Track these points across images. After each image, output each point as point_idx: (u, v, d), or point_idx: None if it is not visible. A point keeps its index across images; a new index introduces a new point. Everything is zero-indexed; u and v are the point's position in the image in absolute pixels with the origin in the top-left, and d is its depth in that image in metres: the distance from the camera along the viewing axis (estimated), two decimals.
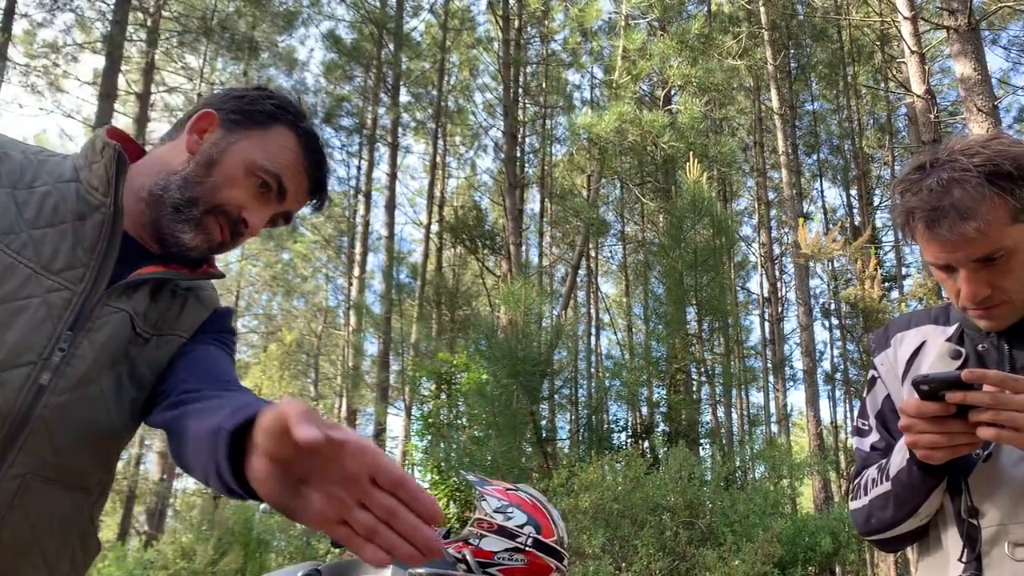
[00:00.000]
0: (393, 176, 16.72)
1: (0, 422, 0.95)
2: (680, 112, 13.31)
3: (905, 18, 8.76)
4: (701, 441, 10.10)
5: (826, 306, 18.42)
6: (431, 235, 17.79)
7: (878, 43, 17.44)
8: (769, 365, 18.89)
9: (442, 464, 9.18)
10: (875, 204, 19.42)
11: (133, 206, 1.11)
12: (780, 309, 19.50)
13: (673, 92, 15.07)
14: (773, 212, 20.19)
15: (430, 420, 10.44)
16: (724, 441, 11.62)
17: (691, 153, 10.91)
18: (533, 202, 20.07)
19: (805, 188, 20.74)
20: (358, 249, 17.88)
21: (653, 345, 10.83)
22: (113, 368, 1.06)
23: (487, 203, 20.25)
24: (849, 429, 18.38)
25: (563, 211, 18.62)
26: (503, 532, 2.13)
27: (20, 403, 0.96)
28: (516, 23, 15.83)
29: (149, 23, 14.64)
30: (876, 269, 11.22)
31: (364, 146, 18.32)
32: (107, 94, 11.31)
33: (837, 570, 9.06)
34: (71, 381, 1.00)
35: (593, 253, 20.71)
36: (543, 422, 10.05)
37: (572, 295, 16.95)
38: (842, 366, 18.58)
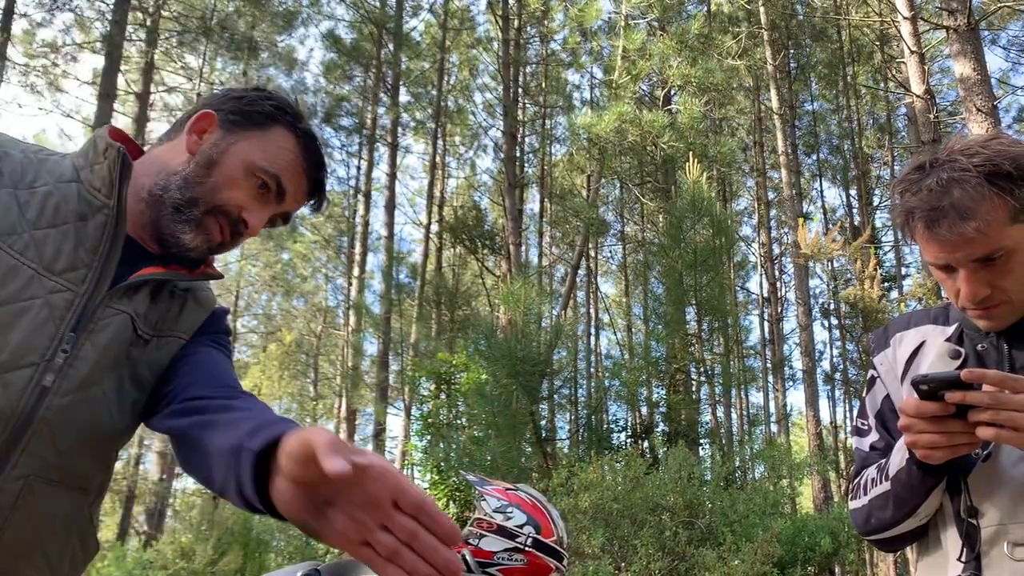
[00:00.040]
0: (393, 176, 16.72)
1: (3, 423, 0.95)
2: (680, 112, 13.31)
3: (905, 18, 8.76)
4: (701, 441, 10.10)
5: (826, 306, 18.44)
6: (431, 235, 17.78)
7: (878, 43, 17.44)
8: (769, 365, 18.90)
9: (442, 464, 9.19)
10: (875, 204, 19.42)
11: (133, 206, 1.11)
12: (780, 309, 19.50)
13: (673, 92, 15.08)
14: (773, 212, 20.19)
15: (430, 420, 10.44)
16: (724, 441, 11.62)
17: (691, 153, 10.91)
18: (533, 202, 20.09)
19: (805, 188, 20.74)
20: (358, 249, 17.88)
21: (653, 345, 10.83)
22: (115, 370, 1.06)
23: (487, 203, 20.25)
24: (848, 429, 18.39)
25: (563, 211, 18.62)
26: (503, 532, 2.13)
27: (23, 404, 0.96)
28: (516, 23, 15.83)
29: (148, 23, 14.64)
30: (876, 269, 11.22)
31: (364, 146, 18.32)
32: (106, 94, 11.31)
33: (837, 570, 9.06)
34: (74, 383, 1.00)
35: (593, 253, 20.71)
36: (543, 422, 10.06)
37: (572, 295, 16.95)
38: (841, 366, 18.59)
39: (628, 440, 10.62)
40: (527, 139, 17.77)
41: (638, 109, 12.87)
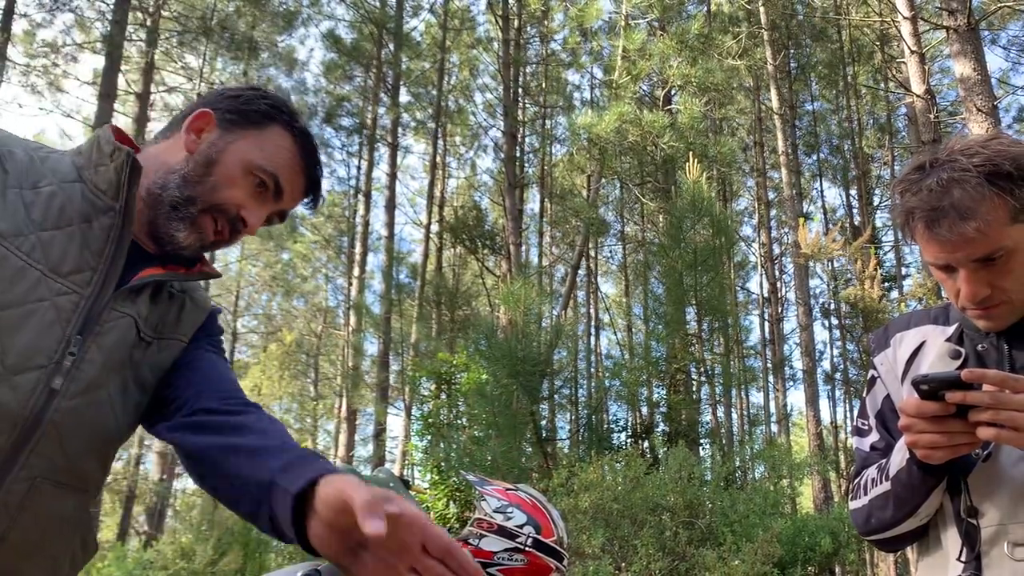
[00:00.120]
0: (393, 176, 16.72)
1: (12, 425, 0.95)
2: (680, 112, 13.31)
3: (905, 18, 8.76)
4: (701, 441, 10.10)
5: (826, 306, 18.44)
6: (431, 235, 17.79)
7: (878, 43, 17.44)
8: (769, 365, 18.90)
9: (442, 464, 9.18)
10: (875, 204, 19.42)
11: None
12: (780, 309, 19.50)
13: (673, 92, 15.07)
14: (773, 212, 20.19)
15: (430, 420, 10.44)
16: (724, 441, 11.62)
17: (691, 153, 10.91)
18: (533, 202, 20.09)
19: (805, 188, 20.74)
20: (358, 249, 17.88)
21: (653, 345, 10.83)
22: (119, 372, 1.07)
23: (487, 203, 20.25)
24: (849, 429, 18.39)
25: (563, 211, 18.62)
26: (503, 532, 2.13)
27: (32, 406, 0.96)
28: (516, 23, 15.83)
29: (149, 23, 14.65)
30: (876, 269, 11.22)
31: (364, 146, 18.32)
32: (107, 94, 11.31)
33: (837, 570, 9.06)
34: (81, 385, 1.01)
35: (593, 253, 20.71)
36: (543, 422, 10.06)
37: (572, 295, 16.95)
38: (842, 366, 18.59)
39: (628, 440, 10.62)
40: (527, 139, 17.78)
41: (638, 109, 12.87)
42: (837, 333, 18.60)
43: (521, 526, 2.14)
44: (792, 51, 18.50)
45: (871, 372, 1.39)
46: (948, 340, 1.27)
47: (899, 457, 1.20)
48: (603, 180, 16.53)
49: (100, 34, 14.09)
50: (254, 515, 0.93)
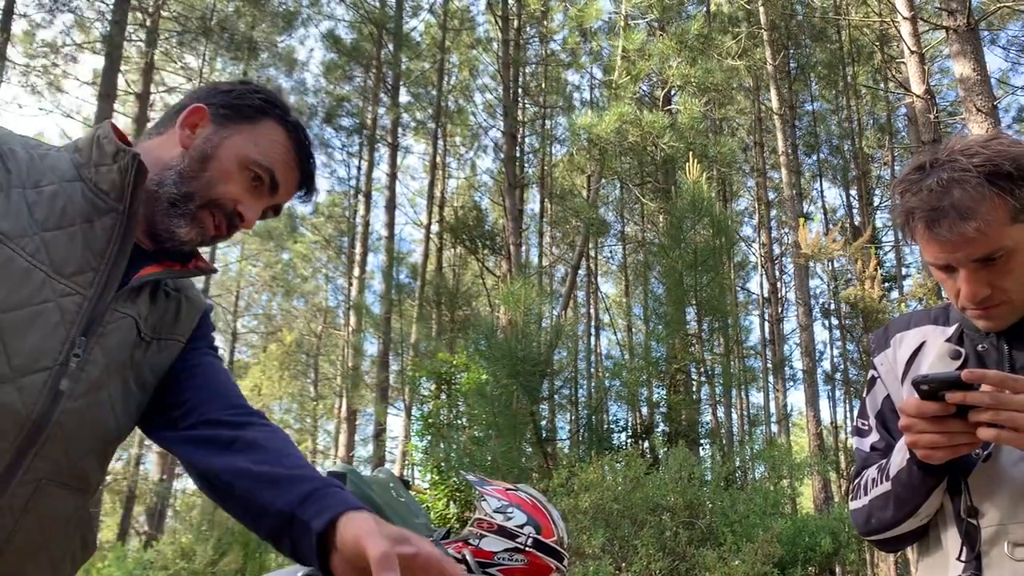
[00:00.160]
0: (393, 176, 16.72)
1: (19, 427, 0.95)
2: (680, 112, 13.31)
3: (904, 18, 8.76)
4: (701, 441, 10.09)
5: (826, 306, 18.43)
6: (431, 235, 17.79)
7: (877, 43, 17.44)
8: (769, 365, 18.90)
9: (442, 464, 9.18)
10: (875, 204, 19.42)
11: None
12: (780, 309, 19.50)
13: (673, 92, 15.07)
14: (773, 212, 20.19)
15: (430, 420, 10.43)
16: (724, 441, 11.61)
17: (691, 153, 10.91)
18: (533, 202, 20.09)
19: (805, 188, 20.74)
20: (358, 249, 17.88)
21: (653, 345, 10.83)
22: (120, 373, 1.07)
23: (487, 203, 20.26)
24: (849, 429, 18.39)
25: (563, 211, 18.62)
26: (503, 532, 2.13)
27: (39, 408, 0.97)
28: (515, 23, 15.83)
29: (148, 23, 14.65)
30: (876, 269, 11.21)
31: (364, 146, 18.32)
32: (106, 94, 11.31)
33: (837, 570, 9.06)
34: (85, 386, 1.01)
35: (593, 253, 20.71)
36: (543, 422, 10.05)
37: (572, 295, 16.95)
38: (842, 366, 18.59)
39: (628, 440, 10.62)
40: (527, 139, 17.78)
41: (638, 109, 12.87)
42: (837, 333, 18.61)
43: (521, 526, 2.14)
44: (792, 51, 18.50)
45: (871, 372, 1.39)
46: (948, 340, 1.27)
47: (899, 457, 1.20)
48: (603, 180, 16.54)
49: (100, 34, 14.10)
50: (274, 540, 0.99)
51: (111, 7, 12.65)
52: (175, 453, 1.12)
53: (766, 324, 20.14)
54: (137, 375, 1.10)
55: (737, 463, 9.34)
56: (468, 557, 2.09)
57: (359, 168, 19.39)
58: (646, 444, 9.66)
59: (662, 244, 10.73)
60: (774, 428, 18.52)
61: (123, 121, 14.39)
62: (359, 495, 2.11)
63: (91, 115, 12.89)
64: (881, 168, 20.43)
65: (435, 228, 18.35)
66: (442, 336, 15.28)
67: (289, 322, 25.24)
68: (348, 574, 0.87)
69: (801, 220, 13.89)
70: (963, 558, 1.15)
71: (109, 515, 19.11)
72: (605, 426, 11.20)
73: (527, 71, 17.76)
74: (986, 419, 1.03)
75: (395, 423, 15.99)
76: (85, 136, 1.13)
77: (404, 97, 17.72)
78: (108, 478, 16.39)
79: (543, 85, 18.54)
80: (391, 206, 16.36)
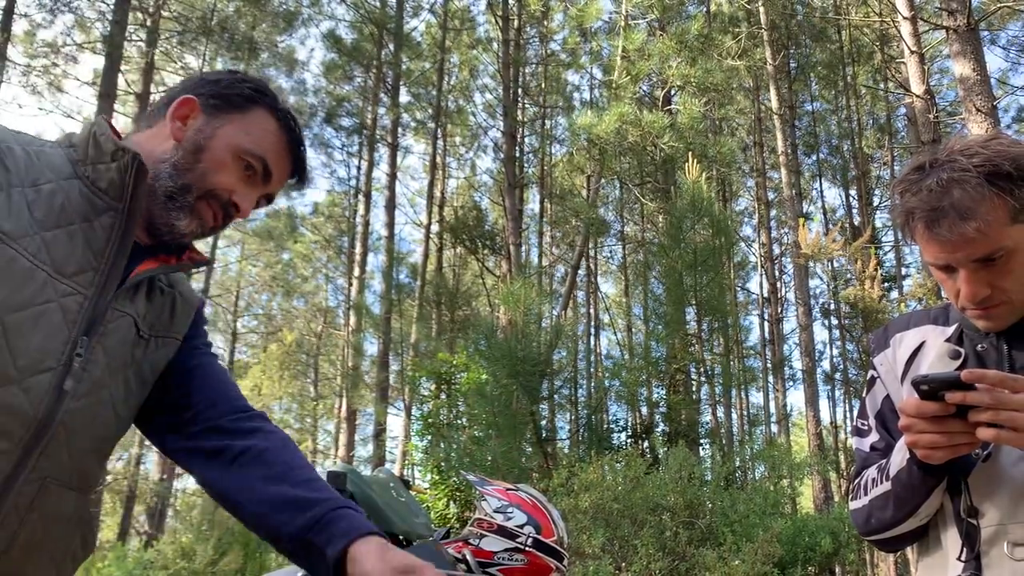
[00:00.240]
0: (393, 176, 16.72)
1: (25, 427, 0.95)
2: (680, 112, 13.31)
3: (904, 18, 8.76)
4: (701, 441, 10.10)
5: (826, 306, 18.44)
6: (431, 235, 17.79)
7: (877, 43, 17.44)
8: (769, 365, 18.90)
9: (442, 464, 9.18)
10: (875, 204, 19.42)
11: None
12: (780, 309, 19.50)
13: (673, 92, 15.07)
14: (773, 212, 20.20)
15: (430, 420, 10.44)
16: (724, 441, 11.62)
17: (691, 153, 10.92)
18: (533, 202, 20.09)
19: (805, 188, 20.74)
20: (358, 249, 17.88)
21: (653, 345, 10.83)
22: (122, 371, 1.08)
23: (487, 203, 20.26)
24: (849, 429, 18.39)
25: (563, 211, 18.62)
26: (503, 532, 2.13)
27: (44, 409, 0.97)
28: (516, 23, 15.83)
29: (149, 23, 14.64)
30: (876, 269, 11.22)
31: (364, 146, 18.32)
32: (107, 94, 11.32)
33: (837, 570, 9.06)
34: (87, 386, 1.02)
35: (593, 253, 20.72)
36: (543, 422, 10.05)
37: (572, 295, 16.95)
38: (842, 366, 18.59)
39: (628, 440, 10.62)
40: (527, 139, 17.78)
41: (638, 109, 12.86)
42: (837, 333, 18.61)
43: (521, 526, 2.14)
44: (792, 51, 18.50)
45: (871, 372, 1.39)
46: (948, 340, 1.27)
47: (899, 457, 1.20)
48: (603, 180, 16.54)
49: (100, 34, 14.10)
50: (291, 557, 1.08)
51: (111, 7, 12.65)
52: (183, 465, 1.15)
53: (766, 324, 20.15)
54: (137, 373, 1.11)
55: (737, 463, 9.34)
56: (468, 557, 2.09)
57: (359, 168, 19.40)
58: (646, 444, 9.66)
59: (662, 244, 10.73)
60: (774, 428, 18.53)
61: (123, 121, 14.39)
62: (359, 495, 2.11)
63: (91, 115, 12.90)
64: (881, 168, 20.43)
65: (435, 228, 18.36)
66: (442, 336, 15.28)
67: (289, 322, 25.23)
68: None
69: (801, 220, 13.89)
70: (963, 558, 1.15)
71: (109, 515, 19.11)
72: (605, 426, 11.20)
73: (527, 71, 17.76)
74: (986, 419, 1.03)
75: (395, 423, 16.00)
76: (80, 132, 1.13)
77: (404, 97, 17.74)
78: (108, 478, 16.39)
79: (543, 85, 18.54)
80: (391, 206, 16.37)
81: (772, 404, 19.54)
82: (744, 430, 17.78)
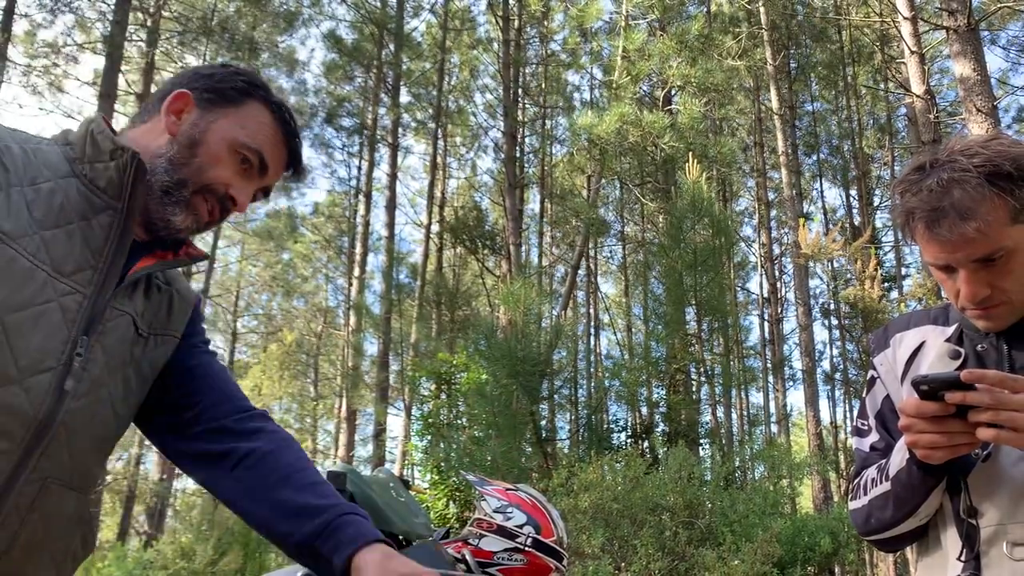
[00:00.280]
0: (393, 176, 16.73)
1: (26, 428, 0.95)
2: (680, 112, 13.31)
3: (905, 18, 8.77)
4: (701, 441, 10.10)
5: (826, 306, 18.44)
6: (431, 235, 17.79)
7: (878, 43, 17.45)
8: (769, 365, 18.90)
9: (442, 464, 9.19)
10: (875, 204, 19.43)
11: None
12: (780, 309, 19.50)
13: (673, 92, 15.07)
14: (773, 212, 20.20)
15: (430, 420, 10.44)
16: (724, 441, 11.62)
17: (691, 153, 10.92)
18: (533, 202, 20.09)
19: (805, 188, 20.74)
20: (358, 249, 17.89)
21: (653, 345, 10.83)
22: (121, 370, 1.08)
23: (487, 203, 20.26)
24: (849, 429, 18.39)
25: (563, 211, 18.62)
26: (503, 532, 2.13)
27: (45, 408, 0.97)
28: (516, 23, 15.83)
29: (149, 23, 14.65)
30: (876, 269, 11.22)
31: (365, 146, 18.32)
32: (107, 94, 11.32)
33: (836, 570, 9.06)
34: (87, 386, 1.02)
35: (593, 253, 20.72)
36: (543, 422, 10.06)
37: (572, 295, 16.95)
38: (842, 366, 18.60)
39: (628, 440, 10.62)
40: (527, 139, 17.78)
41: (638, 110, 12.87)
42: (837, 333, 18.61)
43: (521, 526, 2.14)
44: (792, 51, 18.51)
45: (871, 372, 1.39)
46: (948, 340, 1.27)
47: (899, 457, 1.20)
48: (603, 180, 16.54)
49: (100, 34, 14.10)
50: (300, 560, 1.11)
51: (112, 7, 12.66)
52: (187, 470, 1.17)
53: (766, 324, 20.15)
54: (136, 372, 1.11)
55: (737, 463, 9.34)
56: (468, 557, 2.09)
57: (359, 168, 19.41)
58: (646, 444, 9.66)
59: (662, 244, 10.73)
60: (774, 428, 18.53)
61: (123, 121, 14.36)
62: (359, 495, 2.11)
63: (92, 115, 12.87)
64: (881, 168, 20.43)
65: (435, 228, 18.36)
66: (442, 336, 15.28)
67: (289, 322, 25.23)
68: None
69: (801, 220, 13.89)
70: (962, 558, 1.15)
71: (109, 515, 19.11)
72: (605, 426, 11.20)
73: (527, 71, 17.77)
74: (986, 419, 1.03)
75: (395, 423, 16.00)
76: (76, 129, 1.12)
77: (405, 97, 17.74)
78: (108, 478, 16.39)
79: (543, 85, 18.55)
80: (391, 206, 16.37)
81: (772, 404, 19.56)
82: (744, 430, 17.79)
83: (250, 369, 23.75)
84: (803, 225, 12.75)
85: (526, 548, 2.11)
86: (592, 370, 18.30)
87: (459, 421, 10.46)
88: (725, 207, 17.25)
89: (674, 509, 6.66)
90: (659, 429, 10.19)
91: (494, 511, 2.18)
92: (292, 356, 23.96)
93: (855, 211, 19.49)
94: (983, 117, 7.26)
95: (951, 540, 1.19)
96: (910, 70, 8.85)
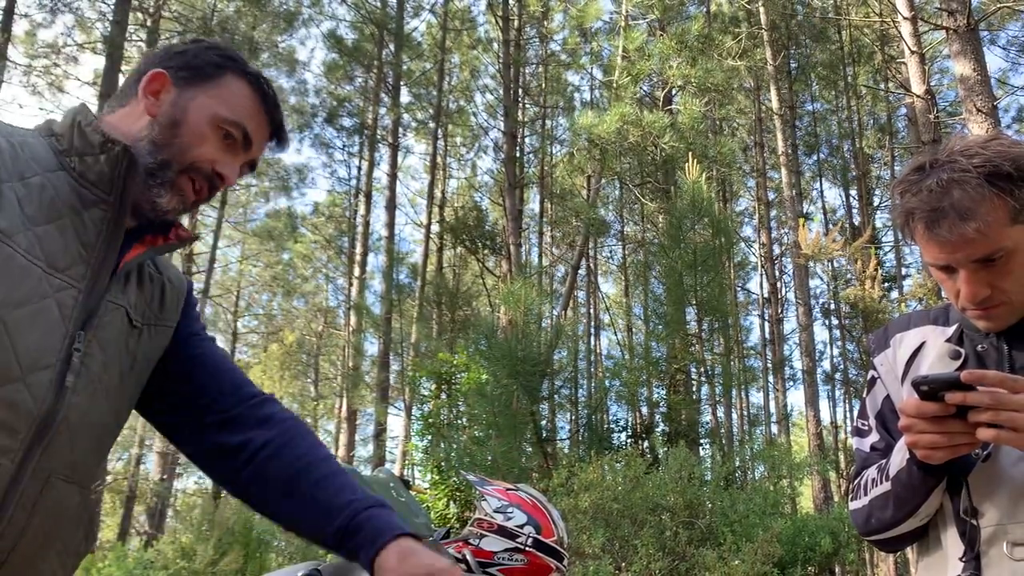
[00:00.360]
0: (393, 176, 16.73)
1: (28, 424, 0.95)
2: (680, 112, 13.31)
3: (905, 18, 8.77)
4: (701, 441, 10.10)
5: (826, 306, 18.45)
6: (431, 235, 17.80)
7: (878, 43, 17.45)
8: (769, 365, 18.91)
9: (442, 464, 9.19)
10: (875, 204, 19.43)
11: None
12: (780, 309, 19.50)
13: (673, 92, 15.08)
14: (773, 212, 20.20)
15: (430, 420, 10.44)
16: (724, 441, 11.62)
17: (691, 153, 10.91)
18: (533, 202, 20.10)
19: (805, 188, 20.75)
20: (358, 249, 17.88)
21: (653, 345, 10.83)
22: (117, 363, 1.08)
23: (487, 203, 20.26)
24: (849, 429, 18.38)
25: (563, 211, 18.63)
26: (503, 532, 2.13)
27: (46, 405, 0.97)
28: (516, 24, 15.84)
29: (149, 23, 14.65)
30: (876, 269, 11.22)
31: (365, 146, 18.33)
32: (107, 94, 11.32)
33: (837, 570, 9.06)
34: (87, 380, 1.02)
35: (593, 253, 20.72)
36: (543, 422, 10.05)
37: (572, 295, 16.95)
38: (842, 366, 18.60)
39: (628, 440, 10.62)
40: (527, 139, 17.79)
41: (639, 110, 12.87)
42: (837, 333, 18.61)
43: (521, 526, 2.14)
44: (792, 51, 18.51)
45: (871, 372, 1.39)
46: (948, 341, 1.27)
47: (899, 457, 1.20)
48: (603, 180, 16.54)
49: (101, 34, 14.11)
50: (318, 544, 1.14)
51: (112, 7, 12.66)
52: (205, 469, 1.19)
53: (766, 324, 20.15)
54: (132, 364, 1.10)
55: (737, 463, 9.34)
56: (468, 557, 2.09)
57: (359, 168, 19.41)
58: (646, 444, 9.66)
59: (662, 244, 10.73)
60: (774, 428, 18.53)
61: None
62: None
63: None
64: (881, 168, 20.44)
65: (435, 228, 18.36)
66: (442, 336, 15.29)
67: (289, 322, 25.24)
68: None
69: (801, 220, 13.90)
70: (963, 558, 1.15)
71: (109, 515, 19.11)
72: (605, 426, 11.20)
73: (527, 71, 17.77)
74: (986, 419, 1.03)
75: (395, 423, 16.01)
76: (61, 120, 1.10)
77: (405, 97, 17.75)
78: (108, 478, 16.39)
79: (543, 85, 18.55)
80: (391, 206, 16.37)
81: (772, 404, 19.56)
82: (744, 430, 17.80)
83: (250, 369, 23.72)
84: (803, 225, 12.75)
85: (527, 548, 2.11)
86: (592, 370, 18.31)
87: (459, 421, 10.46)
88: (725, 207, 17.26)
89: (674, 509, 6.66)
90: (659, 429, 10.19)
91: (494, 511, 2.18)
92: (292, 356, 23.97)
93: (855, 211, 19.51)
94: (983, 117, 7.26)
95: (951, 540, 1.19)
96: (910, 70, 8.85)
